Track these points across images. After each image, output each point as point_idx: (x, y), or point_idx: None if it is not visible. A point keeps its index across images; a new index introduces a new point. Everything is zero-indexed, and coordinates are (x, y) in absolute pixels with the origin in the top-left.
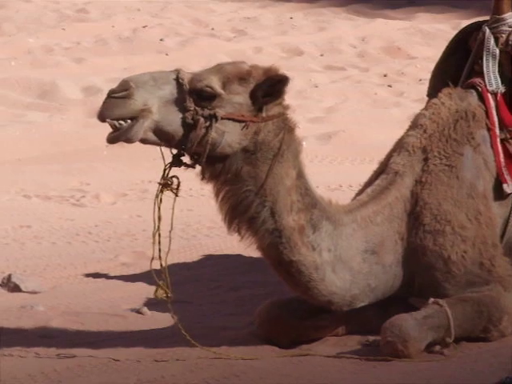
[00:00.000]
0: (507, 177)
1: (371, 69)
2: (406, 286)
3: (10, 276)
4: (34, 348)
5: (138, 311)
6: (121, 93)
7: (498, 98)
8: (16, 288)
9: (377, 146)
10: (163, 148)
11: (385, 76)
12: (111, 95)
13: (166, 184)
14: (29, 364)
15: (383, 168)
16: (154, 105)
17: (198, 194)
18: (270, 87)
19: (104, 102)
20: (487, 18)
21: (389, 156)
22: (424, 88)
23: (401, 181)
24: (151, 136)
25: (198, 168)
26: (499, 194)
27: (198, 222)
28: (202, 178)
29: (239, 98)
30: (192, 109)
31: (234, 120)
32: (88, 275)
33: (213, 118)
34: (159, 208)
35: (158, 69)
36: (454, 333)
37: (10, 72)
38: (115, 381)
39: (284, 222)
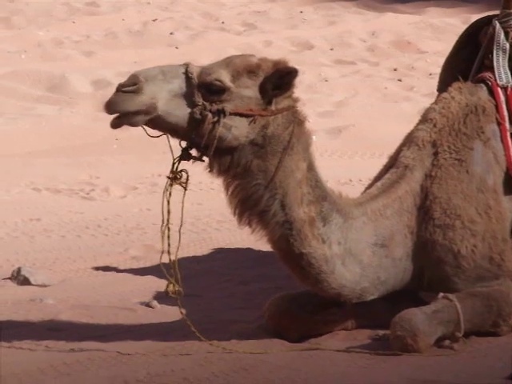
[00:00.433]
0: None
1: (381, 63)
2: (415, 280)
3: (19, 269)
4: (44, 341)
5: (148, 305)
6: (130, 87)
7: (508, 93)
8: (25, 281)
9: (387, 140)
10: (172, 141)
11: (395, 70)
12: (120, 89)
13: (175, 177)
14: (38, 357)
15: (393, 162)
16: (162, 99)
17: (207, 187)
18: (279, 80)
19: (112, 96)
20: (497, 12)
21: (398, 150)
22: (434, 82)
23: (411, 175)
24: (157, 128)
25: (207, 161)
26: (509, 188)
27: (208, 216)
28: (210, 171)
29: (248, 92)
30: (200, 104)
31: (242, 115)
32: (97, 268)
33: (221, 113)
34: (168, 202)
35: (168, 62)
36: (463, 327)
37: (20, 65)
38: (124, 374)
39: (294, 214)
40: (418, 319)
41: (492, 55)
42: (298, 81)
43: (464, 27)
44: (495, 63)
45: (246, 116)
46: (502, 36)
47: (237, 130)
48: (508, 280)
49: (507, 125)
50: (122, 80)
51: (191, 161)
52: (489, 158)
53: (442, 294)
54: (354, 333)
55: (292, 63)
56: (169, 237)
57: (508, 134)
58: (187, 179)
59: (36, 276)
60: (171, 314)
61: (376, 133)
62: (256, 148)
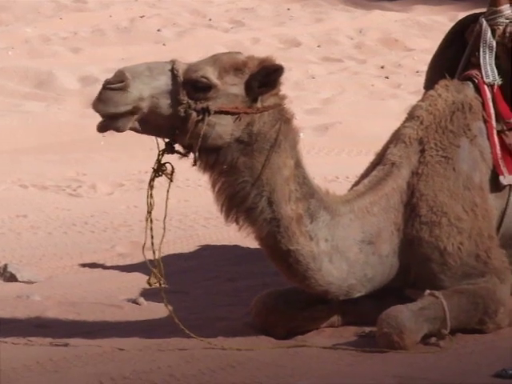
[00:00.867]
0: (503, 169)
1: (368, 60)
2: (402, 277)
3: (6, 266)
4: (30, 338)
5: (135, 301)
6: (116, 84)
7: (495, 90)
8: (12, 278)
9: (373, 137)
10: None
11: (382, 68)
12: (107, 86)
13: (160, 169)
14: (25, 354)
15: (380, 159)
16: (148, 97)
17: (195, 184)
18: (264, 77)
19: (99, 94)
20: (484, 9)
21: (385, 147)
22: (421, 80)
23: (397, 172)
24: (141, 126)
25: (192, 157)
26: (495, 185)
27: (195, 213)
28: (194, 165)
29: (235, 89)
30: (185, 102)
31: (227, 113)
32: (84, 265)
33: (205, 111)
34: (151, 194)
35: (155, 59)
36: (449, 324)
37: (7, 61)
38: (111, 371)
39: (282, 211)
40: (405, 316)
41: (479, 53)
42: (284, 78)
43: (451, 25)
44: (482, 61)
45: (232, 114)
46: (489, 34)
47: (221, 127)
48: (494, 277)
49: (493, 122)
50: (109, 76)
51: (177, 155)
52: (475, 156)
53: (428, 291)
54: (340, 330)
55: (279, 60)
56: (151, 229)
57: (494, 131)
58: (172, 171)
59: (22, 272)
60: (158, 310)
61: (363, 130)
62: (242, 146)
